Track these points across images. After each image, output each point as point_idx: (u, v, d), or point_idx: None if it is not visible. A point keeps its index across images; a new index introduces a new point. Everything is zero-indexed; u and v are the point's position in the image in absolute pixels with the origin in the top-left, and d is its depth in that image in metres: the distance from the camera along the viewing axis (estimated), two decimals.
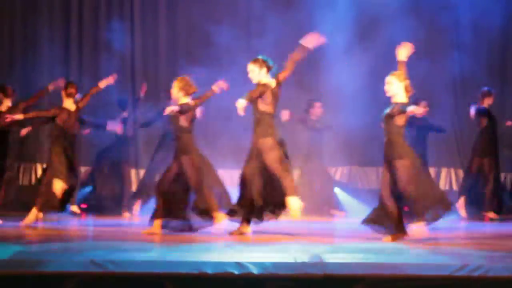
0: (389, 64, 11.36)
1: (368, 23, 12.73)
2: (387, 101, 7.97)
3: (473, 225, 10.58)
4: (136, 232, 8.68)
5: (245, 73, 8.50)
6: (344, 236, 8.54)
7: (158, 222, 8.46)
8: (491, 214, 11.16)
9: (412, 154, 7.83)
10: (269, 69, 8.38)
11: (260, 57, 8.48)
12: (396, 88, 7.84)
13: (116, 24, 13.42)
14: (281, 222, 10.23)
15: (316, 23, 11.97)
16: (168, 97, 10.44)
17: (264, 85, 8.29)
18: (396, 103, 7.81)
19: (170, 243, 7.42)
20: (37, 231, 8.91)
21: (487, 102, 11.44)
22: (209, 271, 5.52)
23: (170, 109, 8.59)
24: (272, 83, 8.33)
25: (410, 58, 8.02)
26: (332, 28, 11.79)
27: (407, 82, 7.86)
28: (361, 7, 12.65)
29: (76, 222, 10.56)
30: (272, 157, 8.21)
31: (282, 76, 8.37)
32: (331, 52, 12.18)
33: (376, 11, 12.68)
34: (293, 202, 8.13)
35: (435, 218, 7.80)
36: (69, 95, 9.87)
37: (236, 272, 5.52)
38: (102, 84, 10.14)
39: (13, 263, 5.66)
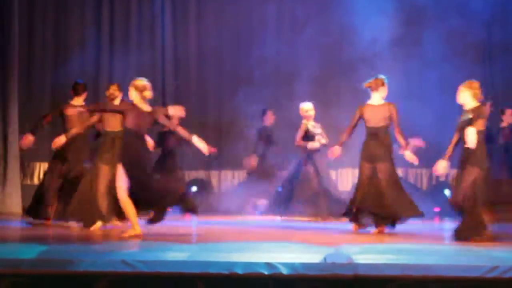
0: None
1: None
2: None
3: (504, 226, 10.49)
4: (167, 232, 8.71)
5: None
6: (374, 237, 8.50)
7: None
8: None
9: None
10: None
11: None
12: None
13: (147, 17, 13.56)
14: (312, 223, 10.24)
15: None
16: None
17: None
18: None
19: (200, 243, 7.44)
20: (69, 231, 8.96)
21: None
22: (239, 271, 5.53)
23: None
24: None
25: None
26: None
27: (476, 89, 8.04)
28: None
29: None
30: None
31: None
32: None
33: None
34: None
35: None
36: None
37: (266, 273, 5.53)
38: None
39: (44, 263, 5.71)
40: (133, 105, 8.28)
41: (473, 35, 12.87)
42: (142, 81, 8.36)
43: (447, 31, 12.29)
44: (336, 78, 13.11)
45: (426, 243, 7.60)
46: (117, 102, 9.68)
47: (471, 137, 7.71)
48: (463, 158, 7.91)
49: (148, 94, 8.34)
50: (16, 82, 12.50)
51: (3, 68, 12.41)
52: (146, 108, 8.30)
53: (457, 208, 7.90)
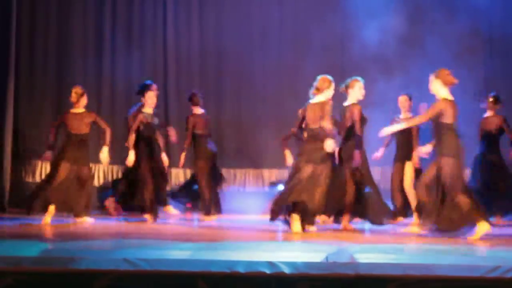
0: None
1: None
2: None
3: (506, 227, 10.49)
4: (170, 231, 8.72)
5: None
6: (376, 236, 8.50)
7: None
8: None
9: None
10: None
11: None
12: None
13: (150, 18, 13.56)
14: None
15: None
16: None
17: None
18: None
19: (202, 242, 7.45)
20: (71, 229, 8.97)
21: None
22: (241, 270, 5.54)
23: None
24: None
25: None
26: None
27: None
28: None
29: (110, 220, 10.61)
30: None
31: None
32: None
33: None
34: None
35: None
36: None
37: (267, 272, 5.53)
38: None
39: (46, 260, 5.72)
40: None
41: (474, 32, 12.88)
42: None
43: (449, 29, 12.29)
44: (337, 81, 13.08)
45: (427, 242, 7.60)
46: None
47: None
48: None
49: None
50: (13, 83, 12.49)
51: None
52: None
53: None
